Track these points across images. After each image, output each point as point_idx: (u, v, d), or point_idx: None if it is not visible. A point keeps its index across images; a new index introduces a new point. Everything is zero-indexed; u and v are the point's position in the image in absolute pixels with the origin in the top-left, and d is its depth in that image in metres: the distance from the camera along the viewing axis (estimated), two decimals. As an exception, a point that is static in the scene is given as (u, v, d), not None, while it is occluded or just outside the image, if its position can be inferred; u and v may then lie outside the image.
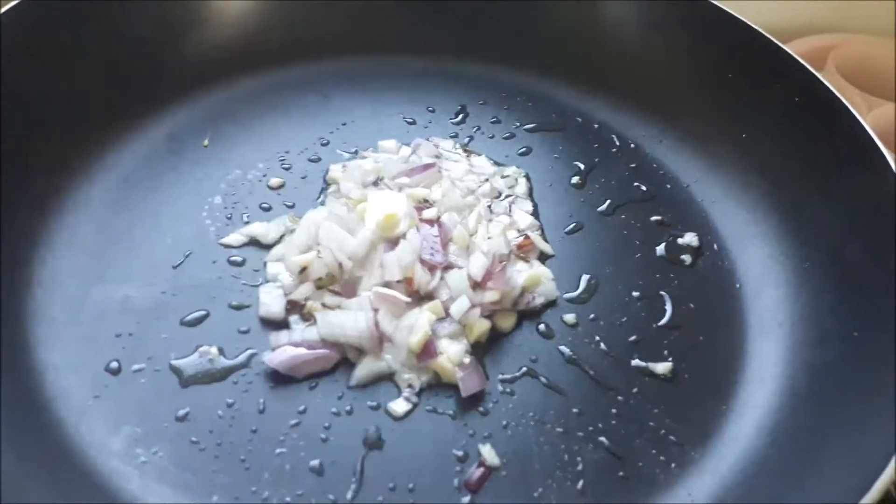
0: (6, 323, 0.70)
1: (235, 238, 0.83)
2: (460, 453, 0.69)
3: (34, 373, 0.69)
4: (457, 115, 1.02)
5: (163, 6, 0.95)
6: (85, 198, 0.84)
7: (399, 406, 0.71)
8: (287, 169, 0.92)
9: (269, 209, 0.87)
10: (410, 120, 1.01)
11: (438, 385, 0.74)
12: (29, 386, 0.67)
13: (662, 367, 0.78)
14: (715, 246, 0.90)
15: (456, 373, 0.73)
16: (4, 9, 0.80)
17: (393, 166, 0.91)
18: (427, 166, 0.90)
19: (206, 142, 0.93)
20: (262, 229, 0.84)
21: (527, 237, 0.86)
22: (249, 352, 0.74)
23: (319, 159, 0.94)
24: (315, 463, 0.67)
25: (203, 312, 0.76)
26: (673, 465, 0.71)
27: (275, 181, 0.90)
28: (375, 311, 0.75)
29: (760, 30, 0.94)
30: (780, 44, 0.92)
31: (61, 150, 0.84)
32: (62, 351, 0.71)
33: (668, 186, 0.97)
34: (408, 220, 0.81)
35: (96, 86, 0.89)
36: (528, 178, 0.95)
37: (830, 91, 0.87)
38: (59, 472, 0.62)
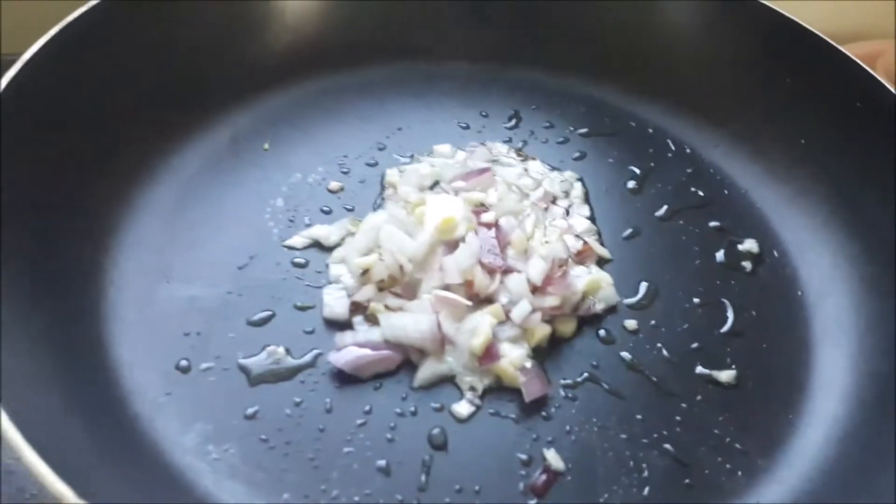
0: (83, 321, 0.72)
1: (298, 240, 0.84)
2: (524, 457, 0.69)
3: (109, 370, 0.70)
4: (510, 120, 1.03)
5: (224, 13, 0.97)
6: (151, 200, 0.85)
7: (463, 408, 0.72)
8: (346, 173, 0.93)
9: (329, 212, 0.88)
10: (464, 125, 1.01)
11: (500, 389, 0.74)
12: (105, 382, 0.69)
13: (726, 375, 0.77)
14: (775, 252, 0.89)
15: (518, 377, 0.74)
16: (66, 20, 0.81)
17: (449, 170, 0.91)
18: (482, 170, 0.90)
19: (266, 145, 0.95)
20: (324, 232, 0.85)
21: (585, 243, 0.86)
22: (315, 352, 0.74)
23: (377, 163, 0.95)
24: (382, 463, 0.67)
25: (269, 313, 0.77)
26: (739, 473, 0.70)
27: (334, 185, 0.91)
28: (437, 313, 0.76)
29: (818, 32, 0.93)
30: (838, 46, 0.91)
31: (127, 154, 0.86)
32: (134, 349, 0.72)
33: (726, 192, 0.96)
34: (466, 224, 0.81)
35: (159, 91, 0.90)
36: (583, 182, 0.95)
37: (888, 89, 0.86)
38: (137, 466, 0.63)
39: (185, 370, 0.72)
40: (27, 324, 0.66)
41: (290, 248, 0.84)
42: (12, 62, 0.74)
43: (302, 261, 0.83)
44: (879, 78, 0.88)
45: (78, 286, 0.75)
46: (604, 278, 0.84)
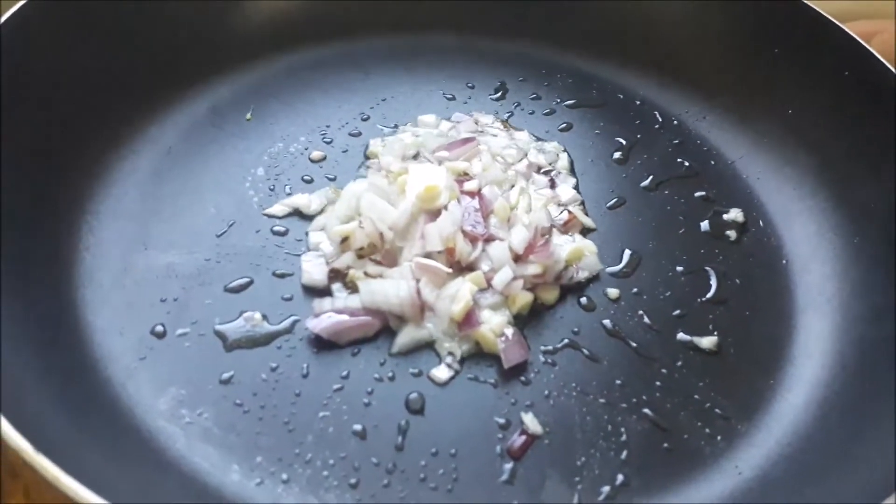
0: (57, 287, 0.71)
1: (279, 209, 0.84)
2: (502, 421, 0.69)
3: (83, 334, 0.70)
4: (496, 92, 1.02)
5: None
6: (131, 169, 0.85)
7: (441, 373, 0.71)
8: (328, 143, 0.92)
9: (310, 181, 0.87)
10: (450, 96, 1.00)
11: (480, 355, 0.73)
12: (78, 347, 0.68)
13: (707, 342, 0.77)
14: (761, 222, 0.89)
15: (497, 343, 0.73)
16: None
17: (433, 140, 0.91)
18: (466, 140, 0.90)
19: (248, 115, 0.94)
20: (305, 200, 0.84)
21: (570, 213, 0.85)
22: (293, 318, 0.74)
23: (360, 134, 0.94)
24: (358, 427, 0.67)
25: (247, 279, 0.77)
26: (719, 437, 0.69)
27: (316, 154, 0.90)
28: (417, 280, 0.75)
29: (808, 1, 0.91)
30: (828, 16, 0.90)
31: (108, 123, 0.86)
32: (109, 314, 0.72)
33: (713, 163, 0.95)
34: (448, 193, 0.80)
35: (141, 60, 0.90)
36: (568, 153, 0.94)
37: (881, 63, 0.85)
38: (108, 429, 0.63)
39: (161, 335, 0.71)
40: (6, 290, 0.65)
41: (271, 216, 0.83)
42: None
43: (282, 229, 0.82)
44: (867, 46, 0.87)
45: (54, 253, 0.74)
46: (587, 246, 0.83)
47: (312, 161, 0.90)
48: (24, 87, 0.78)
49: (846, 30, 0.88)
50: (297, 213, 0.84)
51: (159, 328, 0.72)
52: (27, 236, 0.72)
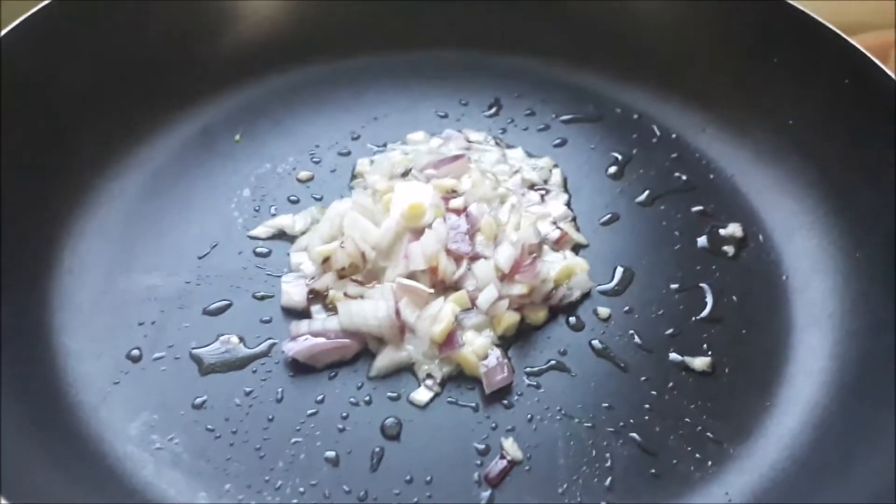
0: (32, 308, 0.71)
1: (262, 230, 0.83)
2: (481, 446, 0.66)
3: (56, 358, 0.69)
4: (490, 108, 1.00)
5: (195, 3, 0.96)
6: (117, 189, 0.85)
7: (421, 395, 0.69)
8: (317, 163, 0.91)
9: (297, 202, 0.87)
10: (443, 114, 0.99)
11: (461, 377, 0.71)
12: (49, 371, 0.68)
13: (701, 362, 0.74)
14: (760, 237, 0.85)
15: (479, 367, 0.71)
16: (39, 6, 0.81)
17: (422, 158, 0.89)
18: (456, 157, 0.88)
19: (237, 136, 0.93)
20: (289, 221, 0.83)
21: (563, 231, 0.83)
22: (270, 341, 0.73)
23: (349, 153, 0.93)
24: (331, 454, 0.65)
25: (226, 302, 0.76)
26: (709, 462, 0.66)
27: (304, 174, 0.89)
28: (397, 301, 0.73)
29: (805, 9, 0.89)
30: (825, 22, 0.87)
31: (95, 143, 0.86)
32: (85, 338, 0.71)
33: (711, 176, 0.92)
34: (434, 210, 0.79)
35: (130, 81, 0.90)
36: (560, 169, 0.92)
37: (882, 71, 0.81)
38: (74, 455, 0.62)
39: (136, 359, 0.71)
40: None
41: (254, 237, 0.82)
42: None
43: (265, 250, 0.81)
44: (867, 53, 0.84)
45: (34, 274, 0.74)
46: (578, 264, 0.81)
47: (300, 181, 0.89)
48: (12, 104, 0.78)
49: (845, 37, 0.85)
50: (282, 234, 0.83)
51: (135, 352, 0.71)
52: (5, 256, 0.72)
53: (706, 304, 0.79)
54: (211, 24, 0.98)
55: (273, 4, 1.01)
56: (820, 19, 0.88)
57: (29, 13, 0.80)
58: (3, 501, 0.48)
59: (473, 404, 0.69)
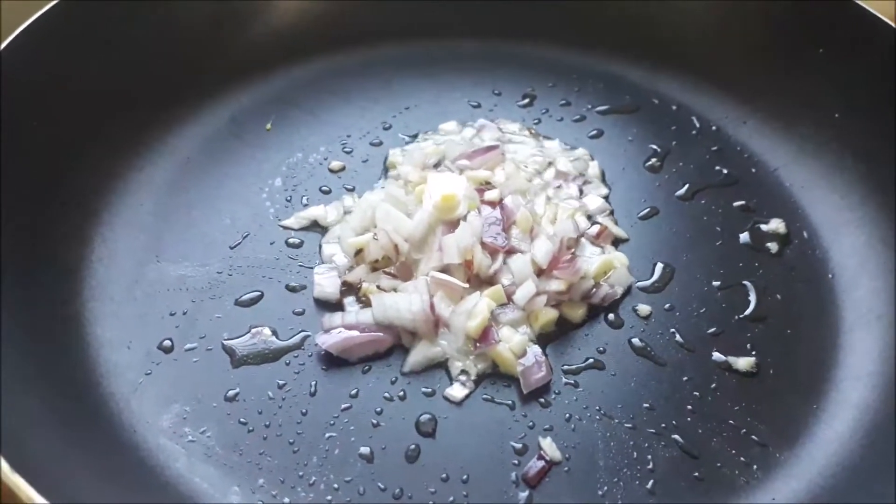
0: (64, 299, 0.70)
1: (294, 220, 0.82)
2: (519, 445, 0.65)
3: (89, 348, 0.68)
4: (524, 98, 0.98)
5: (228, -9, 0.95)
6: (147, 179, 0.84)
7: (457, 391, 0.68)
8: (348, 153, 0.90)
9: (328, 192, 0.85)
10: (475, 104, 0.97)
11: (495, 374, 0.69)
12: (83, 361, 0.67)
13: (745, 362, 0.71)
14: (805, 233, 0.83)
15: (516, 365, 0.69)
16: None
17: (455, 148, 0.87)
18: (490, 148, 0.86)
19: (268, 125, 0.92)
20: (321, 212, 0.82)
21: (602, 225, 0.81)
22: (303, 334, 0.71)
23: (381, 143, 0.91)
24: (365, 449, 0.64)
25: (258, 293, 0.74)
26: (755, 466, 0.64)
27: (335, 164, 0.88)
28: (431, 295, 0.72)
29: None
30: (875, 12, 0.84)
31: (126, 132, 0.85)
32: (118, 328, 0.71)
33: (754, 170, 0.90)
34: (467, 202, 0.77)
35: (160, 70, 0.89)
36: (596, 161, 0.90)
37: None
38: (106, 447, 0.61)
39: (168, 350, 0.70)
40: (9, 300, 0.64)
41: (286, 227, 0.81)
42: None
43: (297, 241, 0.80)
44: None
45: (65, 264, 0.73)
46: (618, 258, 0.79)
47: (331, 171, 0.87)
48: (43, 95, 0.78)
49: (891, 23, 0.82)
50: (314, 225, 0.81)
51: (167, 342, 0.70)
52: (39, 246, 0.72)
53: (749, 302, 0.76)
54: (241, 14, 0.97)
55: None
56: (868, 8, 0.85)
57: (55, 1, 0.79)
58: (34, 494, 0.47)
59: (510, 402, 0.68)
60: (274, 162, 0.88)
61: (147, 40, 0.88)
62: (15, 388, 0.58)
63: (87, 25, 0.83)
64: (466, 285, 0.73)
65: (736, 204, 0.86)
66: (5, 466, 0.47)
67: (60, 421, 0.59)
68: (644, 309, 0.75)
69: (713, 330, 0.74)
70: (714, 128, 0.94)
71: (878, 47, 0.84)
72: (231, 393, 0.67)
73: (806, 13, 0.91)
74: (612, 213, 0.85)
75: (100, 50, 0.84)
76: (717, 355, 0.72)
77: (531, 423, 0.66)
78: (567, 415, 0.67)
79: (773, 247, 0.81)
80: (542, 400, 0.68)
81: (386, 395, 0.67)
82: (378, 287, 0.74)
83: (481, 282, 0.75)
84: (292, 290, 0.75)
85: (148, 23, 0.89)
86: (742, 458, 0.65)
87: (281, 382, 0.68)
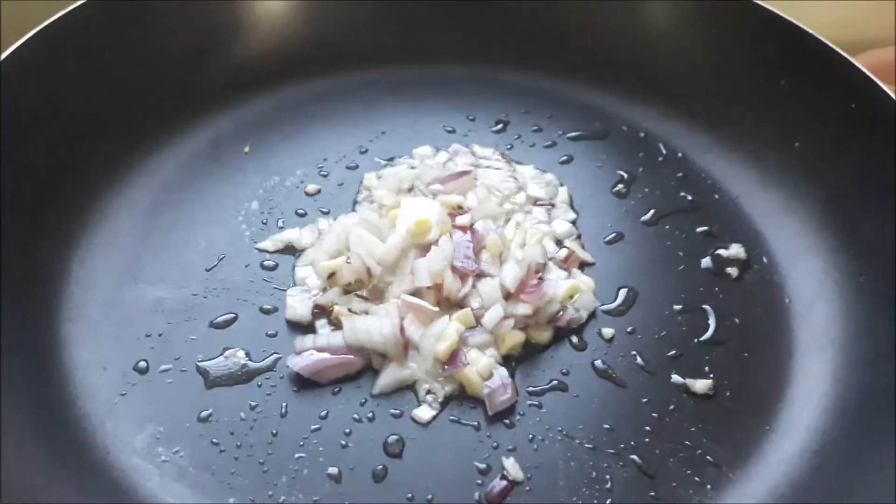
0: (42, 320, 0.72)
1: (270, 243, 0.84)
2: (483, 465, 0.67)
3: (64, 369, 0.70)
4: (497, 124, 1.01)
5: (206, 16, 0.97)
6: (125, 201, 0.85)
7: (424, 413, 0.70)
8: (325, 176, 0.92)
9: (304, 215, 0.87)
10: (450, 129, 1.00)
11: (463, 395, 0.72)
12: (58, 382, 0.68)
13: (702, 385, 0.74)
14: (764, 259, 0.86)
15: (482, 388, 0.71)
16: (51, 19, 0.82)
17: (428, 173, 0.90)
18: (462, 173, 0.89)
19: (246, 148, 0.94)
20: (296, 234, 0.84)
21: (570, 250, 0.84)
22: (276, 356, 0.73)
23: (357, 167, 0.93)
24: (334, 470, 0.66)
25: (232, 315, 0.76)
26: (709, 486, 0.67)
27: (311, 188, 0.90)
28: (402, 318, 0.74)
29: (814, 32, 0.89)
30: (834, 46, 0.88)
31: (104, 154, 0.86)
32: (93, 349, 0.72)
33: (717, 197, 0.93)
34: (440, 227, 0.80)
35: (140, 93, 0.91)
36: (565, 186, 0.92)
37: (887, 95, 0.82)
38: (80, 466, 0.62)
39: (143, 371, 0.71)
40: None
41: (262, 250, 0.83)
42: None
43: (272, 263, 0.82)
44: (874, 78, 0.84)
45: (42, 285, 0.75)
46: (584, 282, 0.82)
47: (307, 194, 0.90)
48: (22, 118, 0.79)
49: (853, 61, 0.86)
50: (289, 248, 0.83)
51: (142, 363, 0.72)
52: (15, 267, 0.73)
53: (709, 326, 0.79)
54: (219, 38, 0.99)
55: (282, 19, 1.02)
56: (828, 42, 0.89)
57: (38, 28, 0.81)
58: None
59: (475, 423, 0.70)
60: (251, 185, 0.90)
61: (128, 65, 0.90)
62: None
63: (68, 50, 0.84)
64: (436, 308, 0.75)
65: (699, 229, 0.89)
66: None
67: (35, 441, 0.61)
68: (608, 332, 0.78)
69: (673, 353, 0.77)
70: (680, 154, 0.97)
71: (836, 82, 0.87)
72: (204, 413, 0.69)
73: (770, 47, 0.94)
74: (579, 237, 0.87)
75: (81, 74, 0.86)
76: (676, 378, 0.75)
77: (495, 444, 0.68)
78: (530, 435, 0.69)
79: (733, 272, 0.84)
80: (506, 421, 0.70)
81: (355, 416, 0.70)
82: (349, 310, 0.76)
83: (451, 304, 0.77)
84: (266, 312, 0.77)
85: (129, 48, 0.91)
86: (697, 479, 0.67)
87: (253, 403, 0.70)
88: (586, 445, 0.69)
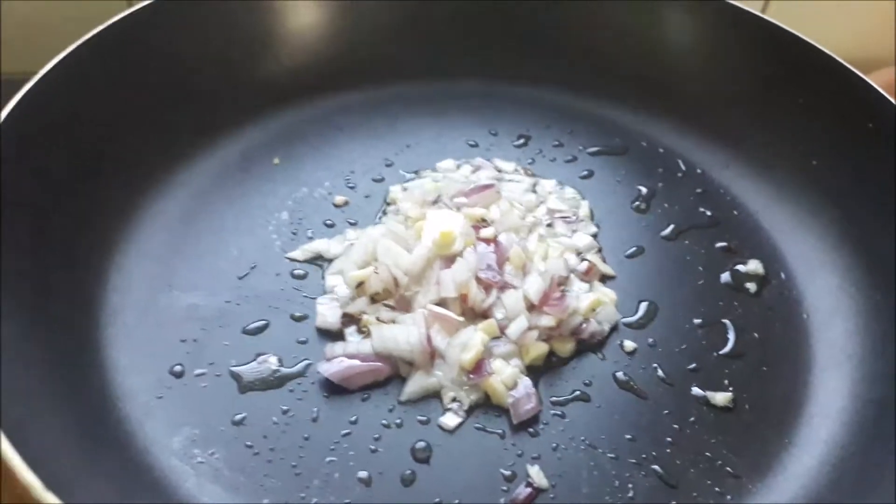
0: (82, 324, 0.74)
1: (299, 253, 0.86)
2: (508, 473, 0.69)
3: (104, 372, 0.72)
4: (519, 138, 1.03)
5: (238, 31, 1.00)
6: (159, 211, 0.88)
7: (450, 420, 0.72)
8: (352, 188, 0.94)
9: (332, 225, 0.90)
10: (473, 143, 1.02)
11: (488, 403, 0.73)
12: (99, 385, 0.71)
13: (722, 397, 0.76)
14: (782, 275, 0.88)
15: (506, 397, 0.73)
16: (90, 34, 0.85)
17: (452, 186, 0.92)
18: (485, 186, 0.91)
19: (276, 160, 0.97)
20: (325, 245, 0.86)
21: (591, 263, 0.86)
22: (306, 362, 0.75)
23: (383, 179, 0.96)
24: (363, 474, 0.68)
25: (264, 322, 0.78)
26: (729, 496, 0.68)
27: (339, 199, 0.92)
28: (428, 327, 0.76)
29: (831, 53, 0.91)
30: (850, 67, 0.90)
31: (140, 166, 0.89)
32: (131, 353, 0.74)
33: (735, 213, 0.95)
34: (464, 239, 0.82)
35: (172, 108, 0.93)
36: (587, 200, 0.94)
37: (901, 114, 0.84)
38: (122, 467, 0.64)
39: (179, 375, 0.73)
40: (26, 325, 0.68)
41: (292, 259, 0.85)
42: (18, 81, 0.77)
43: (301, 272, 0.84)
44: (890, 99, 0.86)
45: (81, 291, 0.77)
46: (606, 294, 0.83)
47: (335, 206, 0.92)
48: (62, 130, 0.82)
49: (869, 82, 0.88)
50: (318, 257, 0.86)
51: (178, 367, 0.74)
52: (57, 275, 0.75)
53: (728, 340, 0.81)
54: (251, 52, 1.01)
55: (311, 35, 1.05)
56: (843, 62, 0.91)
57: (77, 43, 0.84)
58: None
59: (500, 431, 0.72)
60: (280, 196, 0.92)
61: (159, 78, 0.93)
62: (40, 411, 0.62)
63: (104, 67, 0.87)
64: (462, 318, 0.77)
65: (718, 245, 0.91)
66: (38, 485, 0.51)
67: (79, 442, 0.63)
68: (629, 345, 0.80)
69: (693, 366, 0.78)
70: (699, 171, 0.99)
71: (853, 101, 0.89)
72: (238, 417, 0.71)
73: (789, 65, 0.96)
74: (600, 250, 0.89)
75: (113, 89, 0.88)
76: (696, 390, 0.76)
77: (520, 452, 0.70)
78: (554, 444, 0.71)
79: (751, 287, 0.86)
80: (530, 430, 0.72)
81: (384, 422, 0.71)
82: (378, 319, 0.78)
83: (475, 315, 0.79)
84: (297, 319, 0.79)
85: (158, 61, 0.93)
86: (717, 489, 0.69)
87: (285, 408, 0.72)
88: (608, 455, 0.70)
